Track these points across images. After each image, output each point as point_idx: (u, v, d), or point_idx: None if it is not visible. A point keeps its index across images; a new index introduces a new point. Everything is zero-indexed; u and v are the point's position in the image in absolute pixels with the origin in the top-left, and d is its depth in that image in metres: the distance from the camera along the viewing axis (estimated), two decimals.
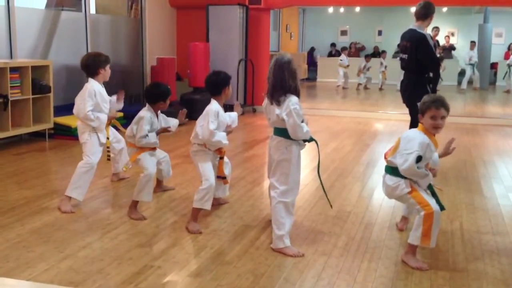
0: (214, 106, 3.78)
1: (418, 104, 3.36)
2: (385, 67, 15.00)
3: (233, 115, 4.04)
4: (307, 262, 3.26)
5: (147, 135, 4.02)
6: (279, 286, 2.94)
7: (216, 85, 3.83)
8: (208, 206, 3.75)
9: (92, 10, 8.55)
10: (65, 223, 3.87)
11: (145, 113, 4.06)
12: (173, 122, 4.28)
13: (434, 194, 3.31)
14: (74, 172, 4.19)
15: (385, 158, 3.44)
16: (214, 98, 3.84)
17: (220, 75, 3.87)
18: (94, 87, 4.23)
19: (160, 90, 4.16)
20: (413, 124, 4.98)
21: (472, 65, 14.97)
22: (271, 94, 3.37)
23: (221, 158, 3.94)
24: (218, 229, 3.80)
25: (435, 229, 3.19)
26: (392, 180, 3.33)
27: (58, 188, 4.63)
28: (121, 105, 4.65)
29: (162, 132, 4.17)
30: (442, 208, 3.26)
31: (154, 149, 4.17)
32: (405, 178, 3.28)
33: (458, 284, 3.01)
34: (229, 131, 3.87)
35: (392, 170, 3.34)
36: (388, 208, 4.36)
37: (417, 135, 3.27)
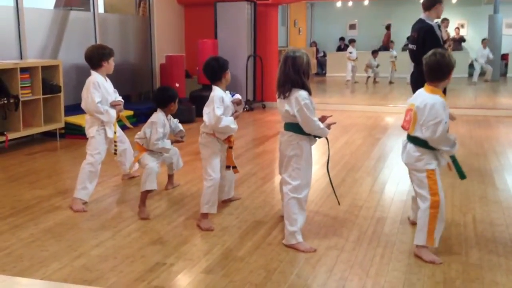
0: (218, 92, 3.75)
1: None
2: (395, 57, 14.86)
3: (237, 96, 4.00)
4: (319, 257, 3.26)
5: (162, 139, 4.03)
6: (291, 281, 2.94)
7: (217, 71, 3.81)
8: (214, 210, 3.77)
9: (101, 9, 8.58)
10: (77, 222, 3.90)
11: (158, 116, 4.06)
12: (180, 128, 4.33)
13: (455, 162, 3.22)
14: (79, 173, 4.21)
15: (404, 129, 3.33)
16: (215, 84, 3.82)
17: (219, 60, 3.86)
18: (96, 79, 4.24)
19: (170, 92, 4.19)
20: None
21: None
22: (277, 88, 3.38)
23: (230, 147, 3.93)
24: (229, 225, 3.81)
25: (439, 228, 3.17)
26: (417, 151, 3.23)
27: (70, 187, 4.65)
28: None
29: (176, 142, 4.22)
30: (463, 176, 3.22)
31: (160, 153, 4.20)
32: (432, 151, 3.20)
33: (472, 277, 2.99)
34: (236, 115, 3.85)
35: (417, 140, 3.23)
36: (399, 202, 4.34)
37: (436, 100, 3.15)
